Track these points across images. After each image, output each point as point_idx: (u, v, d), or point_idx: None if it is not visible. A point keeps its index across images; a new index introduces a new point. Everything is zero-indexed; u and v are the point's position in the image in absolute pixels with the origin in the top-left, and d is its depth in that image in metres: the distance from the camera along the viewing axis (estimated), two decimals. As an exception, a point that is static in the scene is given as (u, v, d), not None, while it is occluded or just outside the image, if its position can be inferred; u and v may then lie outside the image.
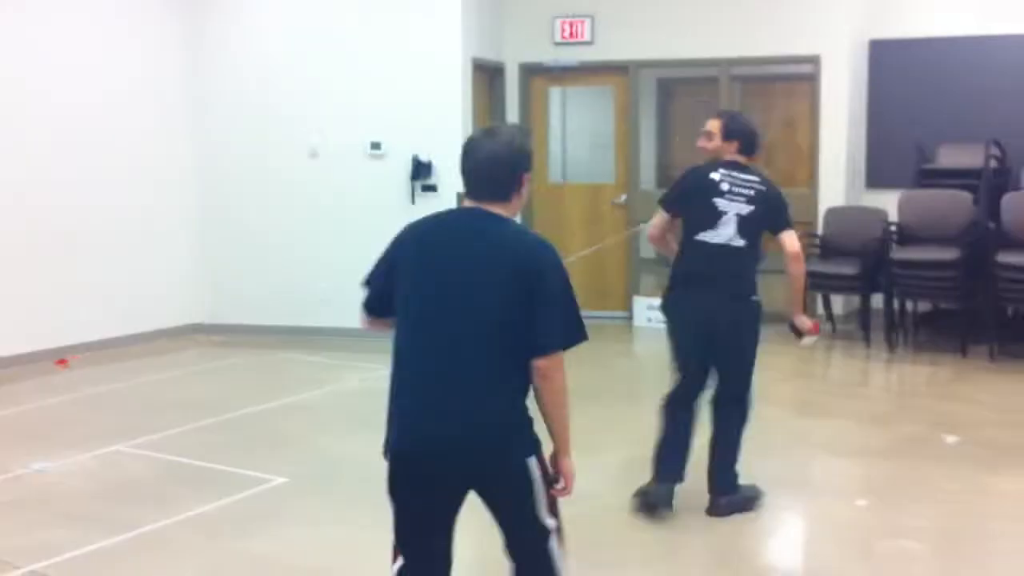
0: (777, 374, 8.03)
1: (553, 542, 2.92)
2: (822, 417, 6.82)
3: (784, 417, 6.76)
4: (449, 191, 8.87)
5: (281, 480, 5.40)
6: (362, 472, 5.41)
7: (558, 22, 9.89)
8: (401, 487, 2.90)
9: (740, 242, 4.76)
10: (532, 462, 2.86)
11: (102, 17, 8.79)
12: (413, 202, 8.90)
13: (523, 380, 2.84)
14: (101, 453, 5.94)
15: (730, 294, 4.79)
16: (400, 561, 2.96)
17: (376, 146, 9.07)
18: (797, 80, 9.91)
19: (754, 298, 4.84)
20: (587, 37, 9.85)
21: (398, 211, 8.87)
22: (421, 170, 8.95)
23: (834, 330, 9.09)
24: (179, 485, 5.44)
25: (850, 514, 5.01)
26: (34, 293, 8.19)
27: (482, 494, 2.91)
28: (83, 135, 8.57)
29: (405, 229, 3.03)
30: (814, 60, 9.33)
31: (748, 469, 4.92)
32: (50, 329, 8.27)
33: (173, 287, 9.35)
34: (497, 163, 2.92)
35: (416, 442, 2.86)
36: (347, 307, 9.07)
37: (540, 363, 2.80)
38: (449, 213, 3.09)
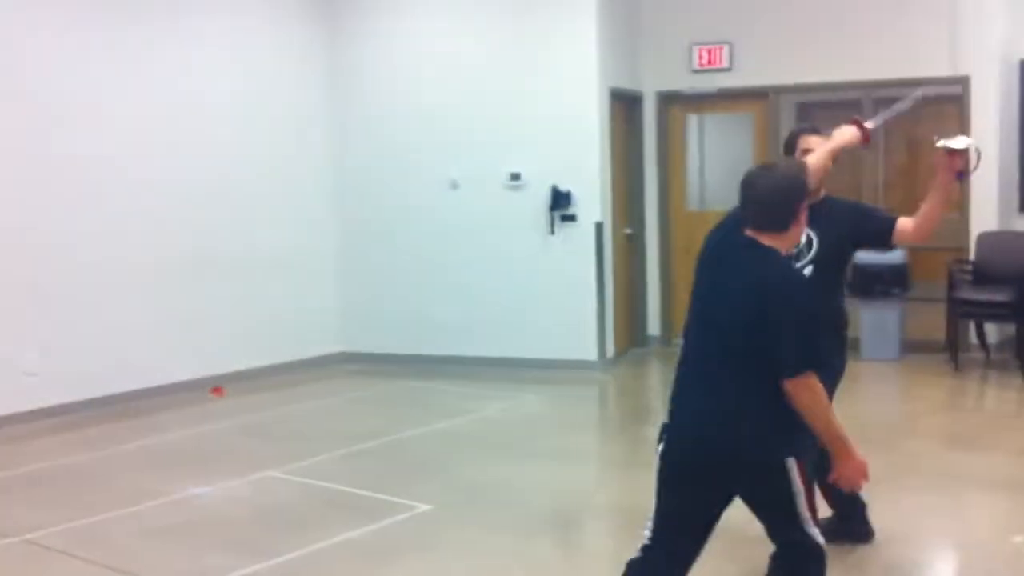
0: (927, 405, 7.81)
1: (813, 541, 3.15)
2: (974, 450, 6.57)
3: (934, 450, 6.56)
4: (588, 220, 8.94)
5: (427, 507, 5.49)
6: (507, 500, 5.45)
7: (696, 49, 9.86)
8: (664, 482, 3.22)
9: None
10: (790, 463, 3.09)
11: (247, 52, 9.14)
12: (552, 232, 8.99)
13: (774, 393, 3.06)
14: (255, 479, 6.17)
15: None
16: (647, 542, 3.24)
17: (515, 176, 9.19)
18: (943, 102, 9.62)
19: None
20: (725, 63, 9.78)
21: (537, 241, 8.99)
22: (560, 200, 9.00)
23: (988, 359, 8.77)
24: (328, 511, 5.60)
25: (1007, 551, 4.82)
26: (190, 324, 8.56)
27: (743, 495, 3.18)
28: (233, 167, 8.93)
29: (709, 233, 3.42)
30: (962, 81, 9.05)
31: (897, 503, 4.78)
32: (204, 359, 8.62)
33: (317, 317, 9.65)
34: (773, 197, 3.22)
35: (677, 441, 3.20)
36: (484, 336, 9.38)
37: (784, 384, 3.05)
38: (728, 237, 3.32)
